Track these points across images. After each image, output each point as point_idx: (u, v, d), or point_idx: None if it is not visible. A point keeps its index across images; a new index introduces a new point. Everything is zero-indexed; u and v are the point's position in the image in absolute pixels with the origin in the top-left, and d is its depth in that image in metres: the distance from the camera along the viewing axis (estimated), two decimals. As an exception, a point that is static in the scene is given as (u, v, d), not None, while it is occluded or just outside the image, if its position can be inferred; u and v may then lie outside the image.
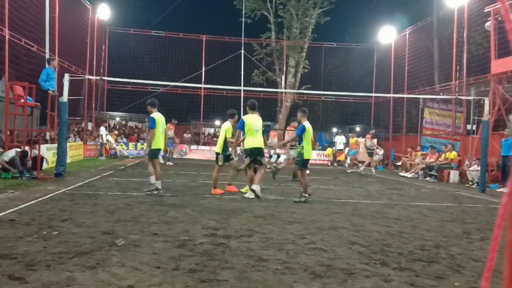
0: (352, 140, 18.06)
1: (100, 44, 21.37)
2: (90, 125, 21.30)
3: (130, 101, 22.92)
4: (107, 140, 18.90)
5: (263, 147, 8.12)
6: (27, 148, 10.13)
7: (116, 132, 22.95)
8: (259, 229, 5.17)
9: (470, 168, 13.48)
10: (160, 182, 7.84)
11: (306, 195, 7.77)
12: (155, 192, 7.73)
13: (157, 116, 7.97)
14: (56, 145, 11.43)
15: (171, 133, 16.54)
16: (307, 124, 7.93)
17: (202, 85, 21.78)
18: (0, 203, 6.16)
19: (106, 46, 22.29)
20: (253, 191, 7.90)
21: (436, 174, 14.63)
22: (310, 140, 7.94)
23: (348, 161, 18.73)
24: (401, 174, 16.44)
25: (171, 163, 16.24)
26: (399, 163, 18.96)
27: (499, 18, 13.52)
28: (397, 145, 21.47)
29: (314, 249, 4.32)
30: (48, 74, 10.35)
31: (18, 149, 9.75)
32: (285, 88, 23.81)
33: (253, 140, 7.96)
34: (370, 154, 16.35)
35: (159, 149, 8.06)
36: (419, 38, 20.13)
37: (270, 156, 16.08)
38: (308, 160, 7.97)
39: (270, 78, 24.66)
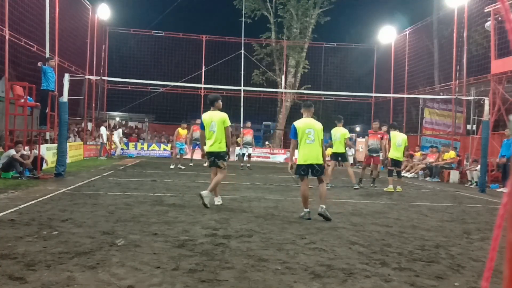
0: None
1: (100, 44, 21.35)
2: (90, 125, 21.29)
3: (130, 101, 22.92)
4: (112, 140, 18.95)
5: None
6: (26, 148, 10.14)
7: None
8: (259, 229, 5.17)
9: (470, 167, 13.47)
10: None
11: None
12: None
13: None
14: (56, 145, 11.42)
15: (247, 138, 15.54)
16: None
17: (202, 85, 21.76)
18: (0, 203, 6.16)
19: (106, 46, 22.27)
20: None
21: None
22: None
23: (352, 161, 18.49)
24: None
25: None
26: None
27: (499, 18, 13.51)
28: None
29: (314, 249, 4.32)
30: (44, 72, 10.30)
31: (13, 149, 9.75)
32: (285, 88, 23.82)
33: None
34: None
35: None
36: (419, 38, 20.13)
37: (243, 155, 16.06)
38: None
39: (270, 78, 24.67)
